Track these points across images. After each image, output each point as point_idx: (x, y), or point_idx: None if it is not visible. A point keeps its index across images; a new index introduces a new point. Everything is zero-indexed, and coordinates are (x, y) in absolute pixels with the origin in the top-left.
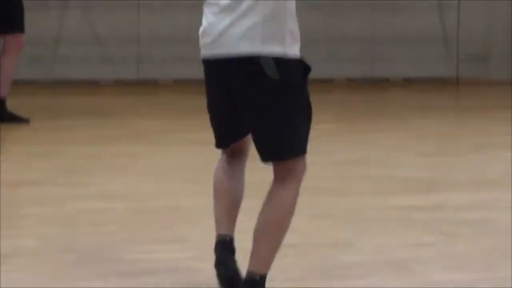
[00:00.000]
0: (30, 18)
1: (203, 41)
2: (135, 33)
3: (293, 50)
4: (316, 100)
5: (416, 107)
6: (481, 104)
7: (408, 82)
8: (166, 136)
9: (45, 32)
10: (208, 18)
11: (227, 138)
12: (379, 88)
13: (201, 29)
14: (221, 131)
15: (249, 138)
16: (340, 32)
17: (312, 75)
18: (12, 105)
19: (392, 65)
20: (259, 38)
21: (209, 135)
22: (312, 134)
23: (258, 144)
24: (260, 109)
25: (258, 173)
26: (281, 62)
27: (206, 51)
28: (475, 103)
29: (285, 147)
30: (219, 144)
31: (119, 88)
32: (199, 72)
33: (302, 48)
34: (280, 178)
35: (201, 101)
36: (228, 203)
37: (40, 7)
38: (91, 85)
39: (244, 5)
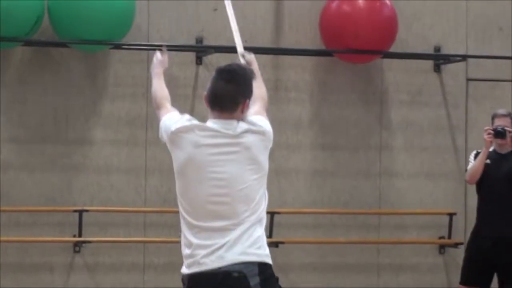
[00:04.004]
0: None
1: (191, 260)
2: None
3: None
4: None
5: None
6: None
7: None
8: None
9: None
10: (195, 239)
11: None
12: None
13: (187, 250)
14: None
15: None
16: None
17: None
18: None
19: None
20: (252, 253)
21: None
22: None
23: None
24: None
25: None
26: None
27: (196, 268)
28: None
29: None
30: None
31: None
32: None
33: None
34: None
35: None
36: None
37: None
38: None
39: (236, 227)
